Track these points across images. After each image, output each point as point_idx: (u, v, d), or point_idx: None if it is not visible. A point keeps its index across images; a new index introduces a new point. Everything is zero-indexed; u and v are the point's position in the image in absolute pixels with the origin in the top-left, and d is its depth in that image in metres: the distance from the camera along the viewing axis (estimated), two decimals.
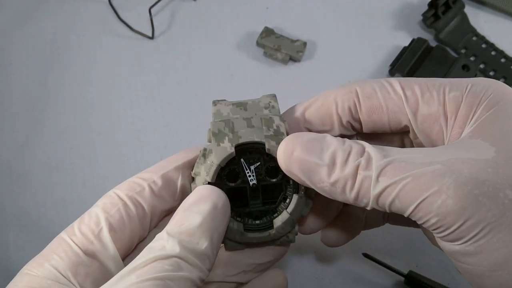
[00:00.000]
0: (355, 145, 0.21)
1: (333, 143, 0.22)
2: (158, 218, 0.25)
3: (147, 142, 0.39)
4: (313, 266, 0.36)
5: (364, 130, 0.25)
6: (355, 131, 0.26)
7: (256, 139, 0.25)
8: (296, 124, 0.26)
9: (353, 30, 0.44)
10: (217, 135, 0.25)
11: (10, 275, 0.22)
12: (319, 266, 0.36)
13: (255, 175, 0.25)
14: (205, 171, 0.25)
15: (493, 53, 0.42)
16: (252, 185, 0.25)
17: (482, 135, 0.21)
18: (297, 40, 0.42)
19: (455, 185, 0.19)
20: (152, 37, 0.43)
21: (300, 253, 0.36)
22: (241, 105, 0.27)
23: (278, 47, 0.41)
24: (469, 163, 0.20)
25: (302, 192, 0.25)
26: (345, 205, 0.29)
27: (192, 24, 0.44)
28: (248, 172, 0.25)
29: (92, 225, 0.23)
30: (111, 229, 0.23)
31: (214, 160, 0.25)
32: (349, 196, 0.21)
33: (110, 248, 0.23)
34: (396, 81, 0.24)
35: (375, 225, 0.30)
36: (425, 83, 0.23)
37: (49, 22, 0.44)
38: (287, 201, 0.26)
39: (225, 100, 0.27)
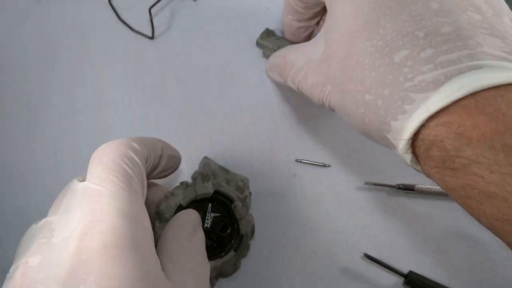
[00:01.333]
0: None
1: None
2: None
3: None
4: (312, 266, 0.36)
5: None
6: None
7: (231, 195, 0.32)
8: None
9: None
10: (204, 176, 0.33)
11: None
12: (319, 266, 0.36)
13: (210, 222, 0.32)
14: (182, 196, 0.31)
15: None
16: (204, 227, 0.31)
17: (325, 24, 0.30)
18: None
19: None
20: (152, 37, 0.43)
21: (300, 253, 0.36)
22: (225, 170, 0.35)
23: (278, 48, 0.41)
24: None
25: (237, 251, 0.32)
26: None
27: (192, 24, 0.44)
28: (208, 216, 0.32)
29: (140, 175, 0.26)
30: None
31: (197, 191, 0.31)
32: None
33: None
34: None
35: None
36: None
37: (49, 22, 0.44)
38: (222, 254, 0.32)
39: (213, 160, 0.36)
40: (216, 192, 0.32)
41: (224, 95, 0.41)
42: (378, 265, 0.35)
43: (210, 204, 0.32)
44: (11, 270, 0.23)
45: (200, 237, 0.29)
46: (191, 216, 0.29)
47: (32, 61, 0.42)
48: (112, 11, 0.44)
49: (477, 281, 0.35)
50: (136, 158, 0.26)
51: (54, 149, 0.39)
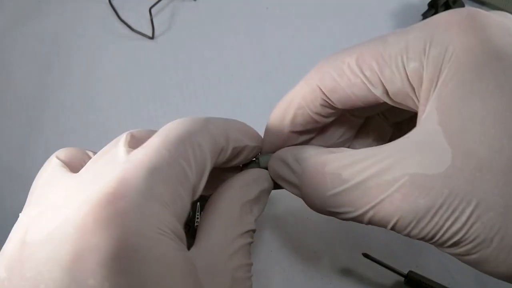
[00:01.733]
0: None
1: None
2: None
3: None
4: (312, 266, 0.36)
5: (341, 109, 0.24)
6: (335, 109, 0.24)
7: None
8: (280, 133, 0.26)
9: (353, 30, 0.44)
10: None
11: None
12: (319, 266, 0.36)
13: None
14: None
15: None
16: (195, 226, 0.30)
17: (440, 123, 0.19)
18: None
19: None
20: (152, 37, 0.43)
21: (300, 253, 0.36)
22: None
23: None
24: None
25: None
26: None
27: (192, 24, 0.44)
28: (198, 215, 0.30)
29: (203, 165, 0.21)
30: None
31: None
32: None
33: (202, 187, 0.22)
34: (352, 59, 0.22)
35: None
36: (381, 55, 0.21)
37: (49, 22, 0.44)
38: None
39: None
40: None
41: (224, 95, 0.41)
42: (378, 265, 0.35)
43: (198, 203, 0.31)
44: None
45: (258, 211, 0.24)
46: (261, 177, 0.25)
47: (32, 61, 0.42)
48: (112, 11, 0.44)
49: (477, 281, 0.35)
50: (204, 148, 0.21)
51: (54, 149, 0.39)
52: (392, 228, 0.20)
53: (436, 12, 0.42)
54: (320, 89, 0.23)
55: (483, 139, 0.18)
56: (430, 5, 0.42)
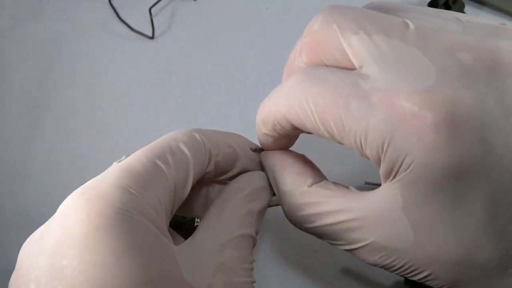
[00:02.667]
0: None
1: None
2: None
3: (147, 142, 0.39)
4: (312, 266, 0.36)
5: None
6: None
7: None
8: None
9: None
10: None
11: (10, 275, 0.22)
12: (319, 266, 0.36)
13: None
14: None
15: None
16: (195, 226, 0.29)
17: (404, 210, 0.20)
18: None
19: None
20: (152, 37, 0.43)
21: (300, 253, 0.36)
22: None
23: None
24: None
25: None
26: None
27: (192, 24, 0.44)
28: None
29: (184, 166, 0.22)
30: (194, 175, 0.23)
31: None
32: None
33: (186, 193, 0.23)
34: (314, 109, 0.21)
35: None
36: (341, 123, 0.20)
37: (49, 22, 0.44)
38: None
39: None
40: None
41: (224, 95, 0.41)
42: None
43: None
44: None
45: (258, 206, 0.24)
46: (254, 178, 0.25)
47: (32, 61, 0.42)
48: (112, 11, 0.44)
49: None
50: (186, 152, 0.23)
51: (54, 149, 0.39)
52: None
53: None
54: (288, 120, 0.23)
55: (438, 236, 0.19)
56: (430, 5, 0.42)
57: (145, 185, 0.20)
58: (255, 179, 0.25)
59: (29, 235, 0.25)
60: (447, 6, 0.43)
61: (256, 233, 0.24)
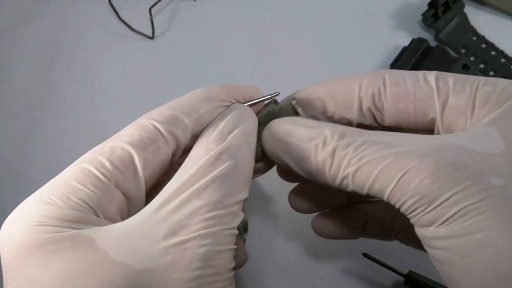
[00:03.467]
0: (336, 126, 0.22)
1: (314, 126, 0.22)
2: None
3: None
4: (312, 266, 0.36)
5: (387, 120, 0.24)
6: (376, 122, 0.24)
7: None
8: (311, 105, 0.25)
9: (353, 30, 0.44)
10: None
11: None
12: (319, 266, 0.36)
13: None
14: None
15: (493, 53, 0.42)
16: None
17: (496, 125, 0.20)
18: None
19: (436, 166, 0.18)
20: (152, 37, 0.43)
21: (300, 252, 0.36)
22: None
23: None
24: (458, 150, 0.19)
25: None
26: (350, 201, 0.29)
27: (192, 24, 0.44)
28: None
29: (126, 162, 0.22)
30: (145, 167, 0.22)
31: None
32: (328, 177, 0.21)
33: (142, 187, 0.22)
34: (431, 74, 0.22)
35: (380, 235, 0.29)
36: (461, 77, 0.22)
37: (49, 22, 0.44)
38: None
39: None
40: None
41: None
42: (378, 265, 0.35)
43: None
44: None
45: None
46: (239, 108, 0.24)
47: (32, 61, 0.42)
48: (112, 11, 0.44)
49: None
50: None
51: (54, 149, 0.39)
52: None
53: (436, 12, 0.42)
54: (385, 78, 0.23)
55: None
56: (430, 5, 0.42)
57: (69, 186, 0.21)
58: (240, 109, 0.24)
59: None
60: (447, 6, 0.43)
61: None
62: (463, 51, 0.43)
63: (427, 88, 0.22)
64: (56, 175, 0.38)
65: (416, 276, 0.34)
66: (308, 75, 0.42)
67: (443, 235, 0.19)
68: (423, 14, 0.43)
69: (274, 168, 0.39)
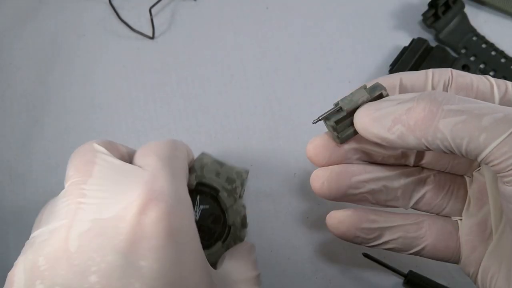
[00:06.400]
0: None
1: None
2: None
3: (147, 141, 0.40)
4: (312, 266, 0.36)
5: None
6: None
7: (215, 185, 0.32)
8: (392, 88, 0.27)
9: (353, 30, 0.44)
10: (190, 169, 0.32)
11: None
12: (318, 266, 0.36)
13: (199, 215, 0.32)
14: None
15: (493, 53, 0.42)
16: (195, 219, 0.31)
17: None
18: None
19: None
20: (152, 37, 0.43)
21: (300, 253, 0.36)
22: (219, 163, 0.34)
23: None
24: None
25: (225, 243, 0.32)
26: None
27: (192, 24, 0.44)
28: (196, 208, 0.33)
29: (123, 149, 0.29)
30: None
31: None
32: (419, 133, 0.22)
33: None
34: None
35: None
36: None
37: (49, 22, 0.44)
38: (210, 245, 0.32)
39: (210, 155, 0.34)
40: (202, 184, 0.32)
41: (224, 95, 0.41)
42: (378, 265, 0.35)
43: (198, 197, 0.33)
44: (36, 235, 0.23)
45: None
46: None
47: (32, 61, 0.42)
48: (112, 11, 0.44)
49: None
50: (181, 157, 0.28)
51: (54, 149, 0.39)
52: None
53: (436, 12, 0.42)
54: (452, 71, 0.26)
55: None
56: (430, 5, 0.42)
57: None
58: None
59: (29, 235, 0.25)
60: (447, 6, 0.43)
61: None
62: (463, 51, 0.43)
63: (488, 83, 0.25)
64: (56, 175, 0.38)
65: (416, 276, 0.34)
66: (308, 75, 0.42)
67: None
68: (423, 14, 0.43)
69: (274, 168, 0.39)
